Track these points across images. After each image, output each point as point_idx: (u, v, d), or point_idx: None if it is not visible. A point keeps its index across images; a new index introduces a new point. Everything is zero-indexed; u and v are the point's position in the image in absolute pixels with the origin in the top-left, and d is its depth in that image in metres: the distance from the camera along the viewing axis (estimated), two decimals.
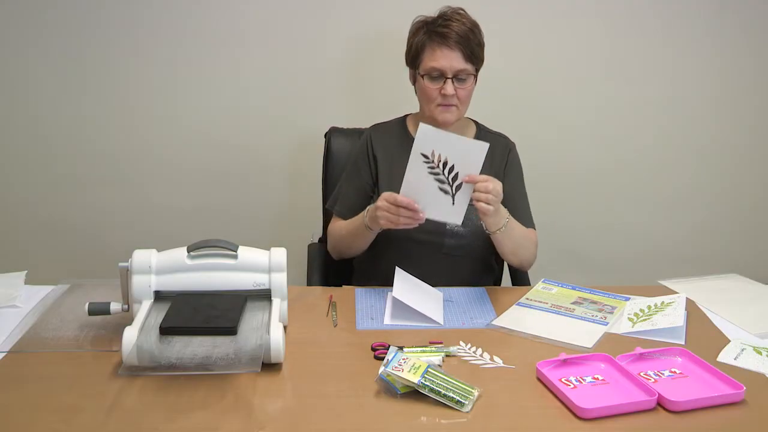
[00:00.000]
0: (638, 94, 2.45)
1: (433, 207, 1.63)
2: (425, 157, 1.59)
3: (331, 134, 2.12)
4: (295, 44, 2.35)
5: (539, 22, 2.35)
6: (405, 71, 1.86)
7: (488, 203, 1.61)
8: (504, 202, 1.88)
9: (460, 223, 1.66)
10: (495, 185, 1.62)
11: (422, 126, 1.59)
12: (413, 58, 1.80)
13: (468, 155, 1.59)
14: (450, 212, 1.64)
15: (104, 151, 2.46)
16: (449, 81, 1.74)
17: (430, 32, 1.76)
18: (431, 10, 1.80)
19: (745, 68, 2.43)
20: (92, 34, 2.33)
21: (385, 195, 1.65)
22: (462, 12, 1.79)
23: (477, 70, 1.80)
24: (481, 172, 1.85)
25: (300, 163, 2.44)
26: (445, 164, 1.59)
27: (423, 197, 1.62)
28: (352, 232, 1.85)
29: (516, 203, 1.90)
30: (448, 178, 1.61)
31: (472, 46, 1.75)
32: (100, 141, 2.45)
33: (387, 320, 1.60)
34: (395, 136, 1.92)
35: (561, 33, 2.37)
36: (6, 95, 2.40)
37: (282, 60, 2.37)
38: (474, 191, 1.61)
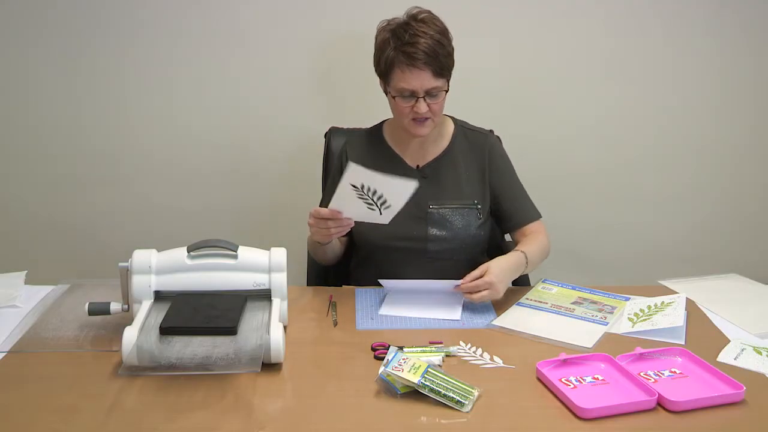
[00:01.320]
0: (638, 94, 2.45)
1: (360, 217, 1.65)
2: (354, 187, 1.58)
3: (331, 134, 2.12)
4: (295, 44, 2.35)
5: (539, 22, 2.35)
6: None
7: (487, 297, 1.62)
8: (502, 201, 1.88)
9: (387, 223, 1.65)
10: (482, 288, 1.61)
11: (352, 165, 1.55)
12: (383, 73, 1.77)
13: (396, 191, 1.59)
14: (377, 218, 1.65)
15: (104, 151, 2.46)
16: (421, 100, 1.71)
17: (397, 50, 1.69)
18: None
19: (745, 68, 2.42)
20: (92, 34, 2.33)
21: (311, 211, 1.66)
22: (427, 20, 1.72)
23: (449, 79, 1.76)
24: (463, 170, 1.84)
25: (300, 163, 2.44)
26: (374, 193, 1.60)
27: (350, 211, 1.63)
28: (312, 246, 1.87)
29: (515, 199, 1.88)
30: (376, 203, 1.61)
31: (441, 61, 1.69)
32: (100, 141, 2.45)
33: (382, 311, 1.63)
34: (372, 146, 1.91)
35: (561, 33, 2.37)
36: (6, 95, 2.40)
37: (282, 60, 2.37)
38: (470, 293, 1.62)
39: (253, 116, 2.43)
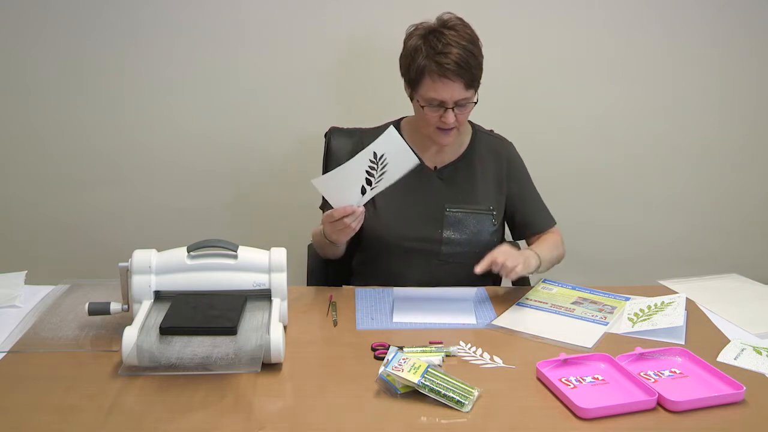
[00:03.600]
0: (638, 95, 2.45)
1: (346, 198, 1.63)
2: (374, 157, 1.58)
3: (331, 134, 2.11)
4: (295, 44, 2.35)
5: (540, 22, 2.35)
6: None
7: (516, 271, 1.62)
8: (520, 208, 1.89)
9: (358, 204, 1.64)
10: (506, 258, 1.63)
11: (392, 131, 1.58)
12: (411, 80, 1.74)
13: (401, 165, 1.60)
14: (355, 199, 1.63)
15: (104, 151, 2.46)
16: (449, 110, 1.69)
17: (429, 59, 1.67)
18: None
19: (745, 68, 2.43)
20: (92, 34, 2.33)
21: (324, 216, 1.66)
22: (458, 27, 1.69)
23: (477, 89, 1.74)
24: (480, 175, 1.84)
25: (300, 163, 2.44)
26: (384, 165, 1.59)
27: (345, 193, 1.61)
28: (321, 242, 1.86)
29: (531, 207, 1.90)
30: (375, 178, 1.60)
31: (472, 72, 1.67)
32: (100, 141, 2.45)
33: (395, 318, 1.62)
34: None
35: (561, 33, 2.37)
36: (6, 95, 2.40)
37: (282, 60, 2.37)
38: (500, 270, 1.63)
39: (253, 116, 2.44)
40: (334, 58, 2.37)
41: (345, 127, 2.14)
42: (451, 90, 1.67)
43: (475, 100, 1.74)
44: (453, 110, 1.70)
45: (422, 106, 1.72)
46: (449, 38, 1.67)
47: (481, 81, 1.76)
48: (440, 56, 1.65)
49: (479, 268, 1.62)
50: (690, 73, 2.43)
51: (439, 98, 1.68)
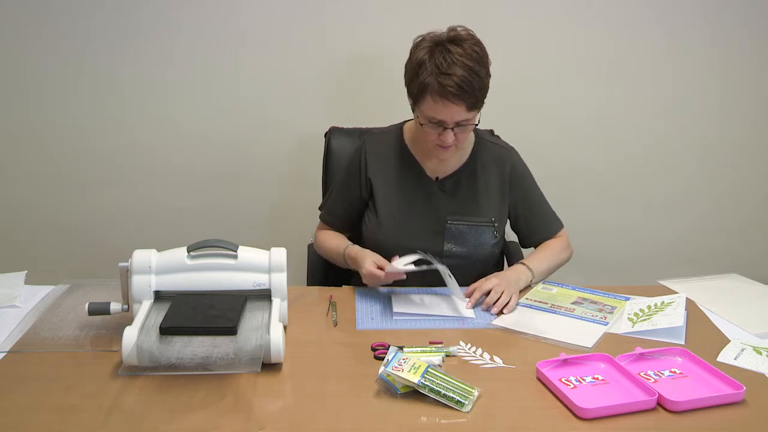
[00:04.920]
0: (638, 95, 2.45)
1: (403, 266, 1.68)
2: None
3: (331, 134, 2.12)
4: (296, 44, 2.35)
5: (540, 22, 2.35)
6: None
7: (509, 303, 1.65)
8: (526, 217, 1.89)
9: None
10: (494, 286, 1.67)
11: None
12: (413, 95, 1.70)
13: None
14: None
15: (104, 151, 2.46)
16: (449, 130, 1.66)
17: (432, 78, 1.61)
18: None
19: (744, 68, 2.43)
20: (92, 34, 2.33)
21: (369, 270, 1.67)
22: (467, 46, 1.63)
23: (480, 109, 1.70)
24: (483, 185, 1.85)
25: (300, 163, 2.44)
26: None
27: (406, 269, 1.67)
28: (332, 257, 1.87)
29: (535, 212, 1.89)
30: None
31: (475, 95, 1.62)
32: (100, 141, 2.45)
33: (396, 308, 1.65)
34: (392, 149, 1.86)
35: (561, 33, 2.37)
36: (6, 95, 2.40)
37: (282, 60, 2.37)
38: (487, 303, 1.66)
39: (253, 116, 2.44)
40: (334, 58, 2.37)
41: (345, 127, 2.14)
42: (452, 112, 1.64)
43: (477, 121, 1.70)
44: (453, 130, 1.67)
45: (421, 124, 1.70)
46: (455, 57, 1.61)
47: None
48: (443, 77, 1.60)
49: (471, 303, 1.67)
50: (690, 73, 2.43)
51: (439, 118, 1.65)
